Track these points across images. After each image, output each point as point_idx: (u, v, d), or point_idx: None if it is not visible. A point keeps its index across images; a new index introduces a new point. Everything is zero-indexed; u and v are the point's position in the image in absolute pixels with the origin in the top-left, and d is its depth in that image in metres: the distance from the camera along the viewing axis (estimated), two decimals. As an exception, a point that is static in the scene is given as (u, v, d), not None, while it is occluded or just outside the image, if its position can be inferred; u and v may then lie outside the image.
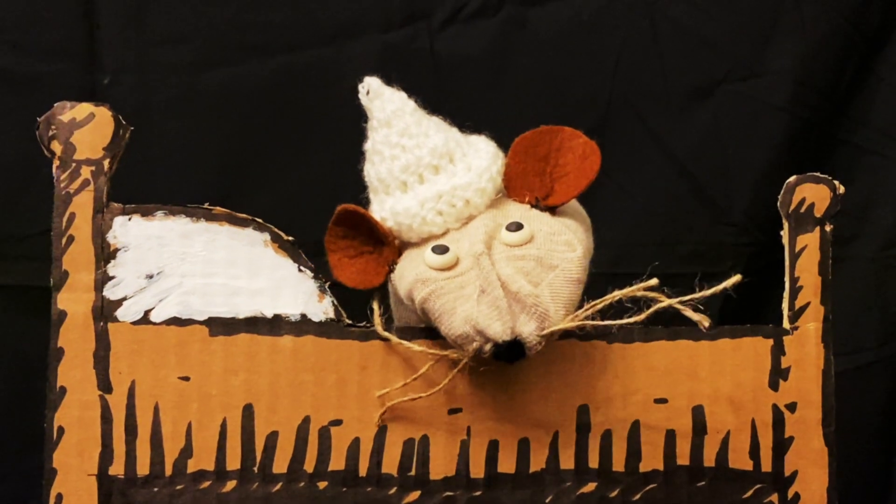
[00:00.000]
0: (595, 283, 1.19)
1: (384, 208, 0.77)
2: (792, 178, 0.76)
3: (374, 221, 0.76)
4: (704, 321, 0.75)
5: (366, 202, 0.79)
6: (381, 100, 0.78)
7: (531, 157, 0.76)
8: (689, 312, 0.75)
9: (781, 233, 0.77)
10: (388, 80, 0.80)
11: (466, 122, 0.80)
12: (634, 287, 0.74)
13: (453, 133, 0.79)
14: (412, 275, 0.73)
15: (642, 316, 0.73)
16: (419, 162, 0.76)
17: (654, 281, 0.74)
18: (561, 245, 0.74)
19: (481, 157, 0.77)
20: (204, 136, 1.12)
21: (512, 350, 0.69)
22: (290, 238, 0.75)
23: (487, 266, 0.71)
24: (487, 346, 0.69)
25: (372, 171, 0.78)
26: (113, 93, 1.12)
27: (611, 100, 1.15)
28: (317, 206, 1.09)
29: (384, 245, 0.76)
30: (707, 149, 1.17)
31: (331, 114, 1.11)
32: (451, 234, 0.76)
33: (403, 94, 0.79)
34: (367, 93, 0.78)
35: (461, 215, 0.76)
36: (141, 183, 1.04)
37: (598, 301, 0.73)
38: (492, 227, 0.74)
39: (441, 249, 0.73)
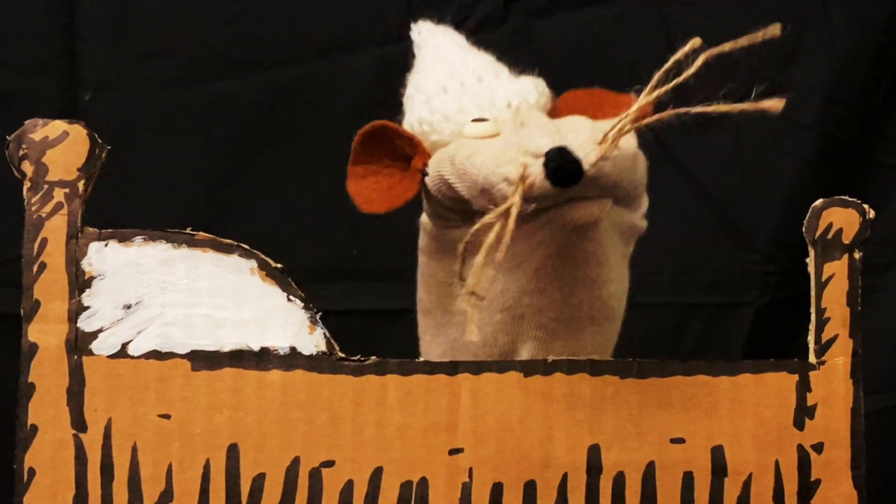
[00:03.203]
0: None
1: (415, 112, 0.78)
2: (818, 202, 0.76)
3: (397, 129, 0.76)
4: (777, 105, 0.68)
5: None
6: (433, 32, 0.81)
7: (578, 107, 0.77)
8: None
9: (807, 260, 0.76)
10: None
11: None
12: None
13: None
14: (450, 149, 0.73)
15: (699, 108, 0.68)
16: (465, 69, 0.78)
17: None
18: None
19: (529, 77, 0.79)
20: (190, 155, 1.13)
21: (564, 164, 0.65)
22: (279, 265, 0.75)
23: (526, 108, 0.71)
24: (534, 169, 0.66)
25: (411, 87, 0.79)
26: (94, 109, 1.13)
27: (624, 117, 1.15)
28: (308, 230, 1.10)
29: (412, 157, 0.76)
30: (729, 170, 1.17)
31: (325, 132, 1.11)
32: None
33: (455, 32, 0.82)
34: (419, 33, 0.81)
35: (505, 117, 0.76)
36: (121, 206, 1.05)
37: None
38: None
39: (481, 119, 0.74)
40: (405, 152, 0.76)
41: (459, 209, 0.74)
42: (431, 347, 0.82)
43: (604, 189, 0.71)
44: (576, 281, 0.75)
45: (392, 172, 0.76)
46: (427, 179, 0.75)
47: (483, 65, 0.79)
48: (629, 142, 0.69)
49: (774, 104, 0.68)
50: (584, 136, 0.67)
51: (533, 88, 0.79)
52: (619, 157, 0.69)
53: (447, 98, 0.77)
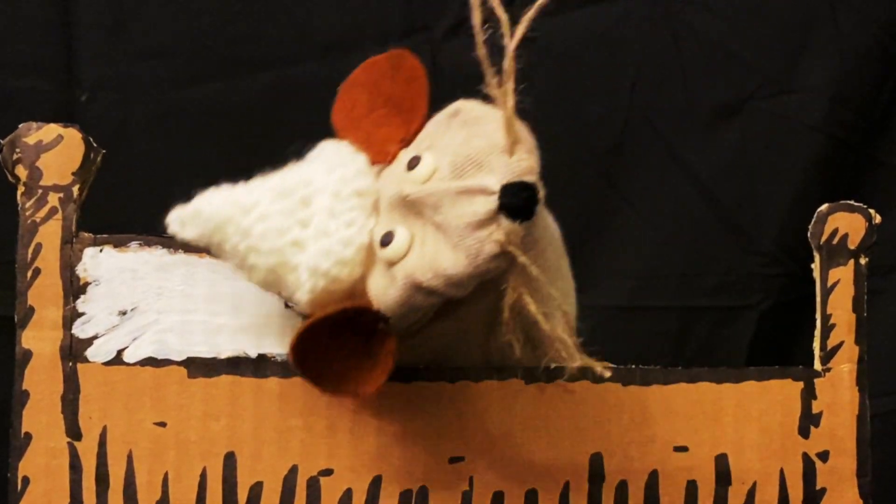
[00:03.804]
0: (613, 318, 1.18)
1: (303, 285, 0.69)
2: (823, 207, 0.76)
3: (321, 321, 0.67)
4: None
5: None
6: (198, 213, 0.72)
7: (356, 120, 0.72)
8: None
9: (813, 265, 0.76)
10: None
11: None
12: None
13: (280, 170, 0.74)
14: (399, 281, 0.66)
15: None
16: (284, 212, 0.70)
17: None
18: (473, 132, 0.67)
19: (326, 152, 0.73)
20: (187, 157, 1.12)
21: (522, 200, 0.61)
22: (277, 271, 0.75)
23: (413, 195, 0.65)
24: (505, 228, 0.61)
25: (262, 272, 0.70)
26: (91, 110, 1.13)
27: (629, 119, 1.15)
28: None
29: (356, 316, 0.68)
30: (734, 171, 1.17)
31: (324, 134, 1.10)
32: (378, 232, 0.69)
33: (209, 190, 0.73)
34: (182, 226, 0.71)
35: (365, 207, 0.69)
36: (117, 209, 1.05)
37: None
38: (398, 179, 0.68)
39: (387, 237, 0.67)
40: (338, 321, 0.68)
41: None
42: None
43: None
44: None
45: (346, 345, 0.68)
46: (392, 321, 0.67)
47: (279, 190, 0.71)
48: (518, 122, 0.65)
49: None
50: (499, 160, 0.63)
51: (349, 160, 0.71)
52: (529, 138, 0.65)
53: (315, 250, 0.68)
